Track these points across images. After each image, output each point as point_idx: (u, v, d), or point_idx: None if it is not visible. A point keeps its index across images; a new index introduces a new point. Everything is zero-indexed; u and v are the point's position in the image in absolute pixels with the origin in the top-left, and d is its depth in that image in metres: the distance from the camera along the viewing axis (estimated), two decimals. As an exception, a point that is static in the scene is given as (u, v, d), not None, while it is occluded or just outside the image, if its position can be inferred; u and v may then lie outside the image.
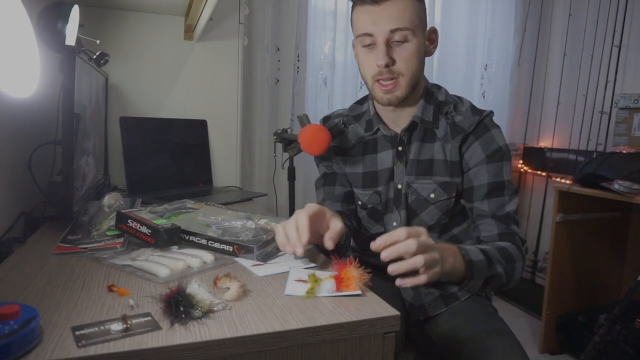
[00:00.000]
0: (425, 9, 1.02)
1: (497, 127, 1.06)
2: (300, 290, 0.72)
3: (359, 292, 0.70)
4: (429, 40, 1.04)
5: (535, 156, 2.73)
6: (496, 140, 1.03)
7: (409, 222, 1.08)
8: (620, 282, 2.28)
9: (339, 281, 0.71)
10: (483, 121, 1.04)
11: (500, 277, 0.91)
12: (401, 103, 1.03)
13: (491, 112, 1.07)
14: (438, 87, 1.12)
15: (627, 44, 2.27)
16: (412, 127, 1.06)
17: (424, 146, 1.06)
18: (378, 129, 1.09)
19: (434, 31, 1.05)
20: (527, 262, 2.69)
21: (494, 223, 0.99)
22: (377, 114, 1.10)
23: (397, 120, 1.08)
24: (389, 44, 0.96)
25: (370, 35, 0.97)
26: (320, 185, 1.19)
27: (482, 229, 1.01)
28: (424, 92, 1.07)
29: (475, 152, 1.02)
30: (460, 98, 1.11)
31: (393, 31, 0.95)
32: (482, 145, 1.02)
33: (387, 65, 0.96)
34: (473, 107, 1.07)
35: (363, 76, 1.05)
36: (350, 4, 1.03)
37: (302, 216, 0.82)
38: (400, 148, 1.07)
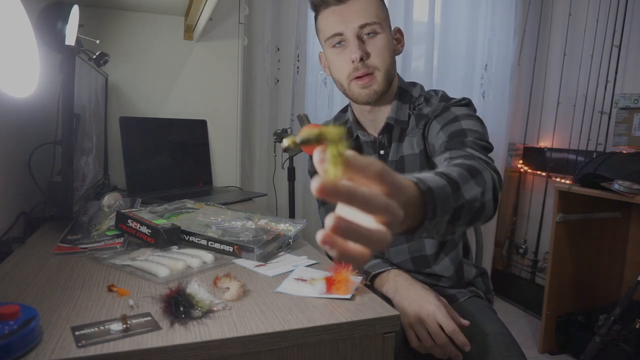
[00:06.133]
0: (387, 9, 1.03)
1: (465, 108, 0.98)
2: (295, 289, 0.72)
3: (348, 296, 0.69)
4: (395, 40, 1.05)
5: (535, 156, 2.73)
6: (454, 112, 0.96)
7: None
8: (620, 282, 2.28)
9: (330, 283, 0.71)
10: (450, 107, 0.99)
11: (473, 202, 0.59)
12: (377, 103, 1.03)
13: (464, 99, 1.01)
14: (414, 84, 1.11)
15: (627, 44, 2.27)
16: (387, 129, 1.06)
17: (399, 146, 1.06)
18: (357, 136, 1.10)
19: (399, 31, 1.07)
20: (527, 262, 2.73)
21: (452, 152, 0.83)
22: (356, 120, 1.10)
23: (375, 123, 1.08)
24: (360, 39, 0.97)
25: (340, 34, 0.97)
26: (320, 203, 1.20)
27: (439, 163, 0.86)
28: (397, 91, 1.07)
29: (433, 128, 0.98)
30: (436, 91, 1.08)
31: (362, 26, 0.96)
32: (440, 121, 0.97)
33: (361, 59, 0.96)
34: (444, 96, 1.05)
35: (337, 80, 1.03)
36: (313, 13, 1.04)
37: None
38: (382, 152, 1.07)
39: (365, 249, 0.35)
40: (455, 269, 1.09)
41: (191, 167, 1.79)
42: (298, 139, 0.36)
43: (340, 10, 0.96)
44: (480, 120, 0.96)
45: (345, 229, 0.33)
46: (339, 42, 0.98)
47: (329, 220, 0.33)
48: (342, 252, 0.35)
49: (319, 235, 0.34)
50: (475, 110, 1.00)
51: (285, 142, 0.37)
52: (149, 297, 0.67)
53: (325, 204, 1.17)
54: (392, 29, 1.04)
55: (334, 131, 0.34)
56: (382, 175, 0.36)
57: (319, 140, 0.35)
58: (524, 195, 2.81)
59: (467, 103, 1.01)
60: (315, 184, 0.33)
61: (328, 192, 0.33)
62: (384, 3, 1.03)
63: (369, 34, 0.97)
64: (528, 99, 2.78)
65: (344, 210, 0.36)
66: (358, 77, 0.98)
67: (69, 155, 0.98)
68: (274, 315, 0.63)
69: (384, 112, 1.06)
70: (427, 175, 0.54)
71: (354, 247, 0.35)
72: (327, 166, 0.34)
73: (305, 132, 0.35)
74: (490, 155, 0.84)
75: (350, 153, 0.34)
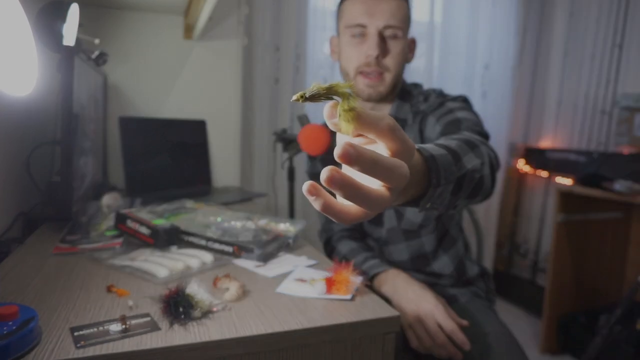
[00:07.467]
0: (411, 19, 1.04)
1: (460, 103, 0.99)
2: (295, 289, 0.72)
3: (348, 296, 0.69)
4: (408, 48, 1.06)
5: (536, 156, 2.73)
6: (448, 106, 0.97)
7: (399, 223, 1.08)
8: (622, 283, 2.28)
9: (330, 284, 0.71)
10: (445, 102, 1.00)
11: (474, 173, 0.59)
12: (379, 102, 1.04)
13: (459, 96, 1.02)
14: (416, 85, 1.13)
15: (628, 44, 2.27)
16: None
17: None
18: None
19: (413, 41, 1.08)
20: (528, 263, 2.72)
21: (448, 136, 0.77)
22: None
23: None
24: (381, 37, 0.98)
25: (363, 26, 0.98)
26: None
27: None
28: (399, 91, 1.08)
29: (429, 122, 1.00)
30: (434, 89, 1.10)
31: (386, 27, 0.97)
32: (435, 115, 0.99)
33: (376, 57, 0.97)
34: (441, 93, 1.06)
35: (344, 68, 1.04)
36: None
37: None
38: None
39: (358, 208, 0.32)
40: (454, 266, 1.09)
41: (191, 167, 1.79)
42: (307, 93, 0.33)
43: (369, 3, 0.97)
44: (475, 114, 0.97)
45: (341, 185, 0.30)
46: (359, 34, 0.99)
47: (325, 172, 0.30)
48: (326, 206, 0.32)
49: (305, 186, 0.31)
50: (471, 106, 1.01)
51: (295, 96, 0.34)
52: (148, 298, 0.67)
53: None
54: (409, 38, 1.06)
55: (344, 86, 0.33)
56: (394, 130, 0.33)
57: (328, 95, 0.33)
58: (525, 196, 2.81)
59: (463, 100, 1.02)
60: (338, 150, 0.29)
61: (352, 159, 0.29)
62: (411, 13, 1.04)
63: (389, 35, 0.98)
64: (529, 99, 2.78)
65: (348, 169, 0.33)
66: (367, 74, 0.99)
67: (68, 155, 0.97)
68: (273, 316, 0.63)
69: (385, 111, 1.07)
70: (427, 145, 0.52)
71: (341, 203, 0.32)
72: (338, 121, 0.32)
73: (315, 86, 0.33)
74: (487, 143, 0.80)
75: (360, 107, 0.32)
